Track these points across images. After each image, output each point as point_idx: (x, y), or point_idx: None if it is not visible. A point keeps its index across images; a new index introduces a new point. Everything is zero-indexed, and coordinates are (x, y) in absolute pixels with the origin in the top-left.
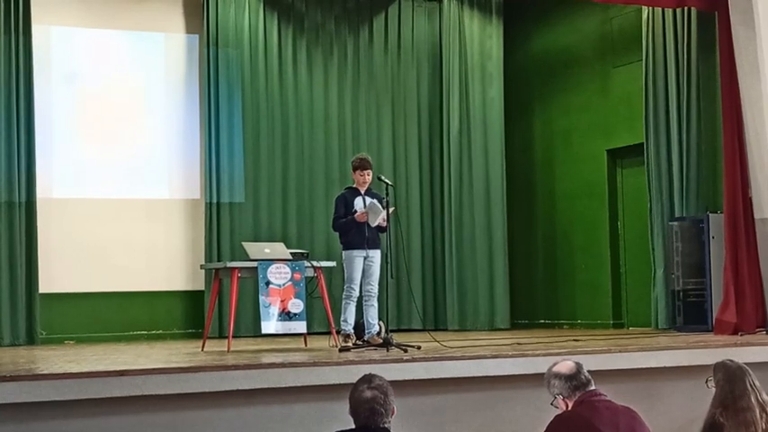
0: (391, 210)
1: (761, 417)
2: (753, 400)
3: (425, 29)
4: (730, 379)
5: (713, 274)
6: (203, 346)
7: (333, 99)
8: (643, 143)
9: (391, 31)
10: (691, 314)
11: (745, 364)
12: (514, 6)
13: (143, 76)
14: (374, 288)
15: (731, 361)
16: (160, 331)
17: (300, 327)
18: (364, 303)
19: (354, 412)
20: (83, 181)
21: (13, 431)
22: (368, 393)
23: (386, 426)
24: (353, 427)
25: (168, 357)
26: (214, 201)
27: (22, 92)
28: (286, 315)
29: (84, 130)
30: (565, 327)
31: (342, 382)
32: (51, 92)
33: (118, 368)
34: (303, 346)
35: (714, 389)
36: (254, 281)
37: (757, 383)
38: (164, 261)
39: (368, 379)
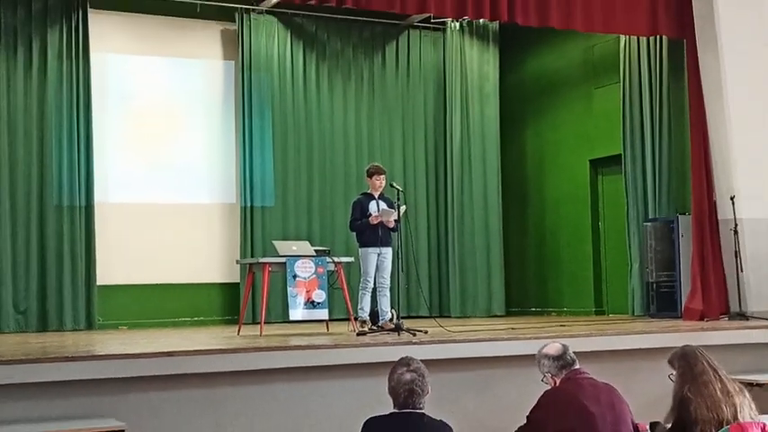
0: (403, 209)
1: (715, 378)
2: (705, 364)
3: (431, 55)
4: (686, 356)
5: (682, 267)
6: (239, 331)
7: (351, 116)
8: (621, 154)
9: (401, 56)
10: (662, 303)
11: (710, 346)
12: (509, 35)
13: (186, 97)
14: (387, 280)
15: (680, 349)
16: (201, 318)
17: (323, 314)
18: (378, 294)
19: (394, 392)
20: (134, 187)
21: (75, 405)
22: (407, 375)
23: (422, 406)
24: (379, 406)
25: (209, 340)
26: (248, 205)
27: (82, 111)
28: (311, 304)
29: (136, 144)
30: (553, 314)
31: (359, 362)
32: (107, 110)
33: (165, 350)
34: (325, 330)
35: (675, 378)
36: (282, 274)
37: (705, 353)
38: (204, 257)
39: (406, 362)
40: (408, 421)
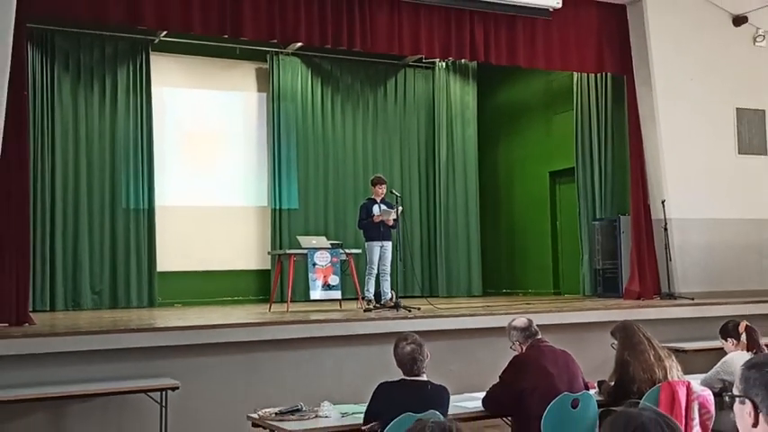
0: (400, 209)
1: (648, 346)
2: (641, 336)
3: (423, 88)
4: (625, 328)
5: (623, 257)
6: (270, 308)
7: (359, 137)
8: (574, 167)
9: (399, 89)
10: (607, 285)
11: (645, 320)
12: (485, 71)
13: (228, 122)
14: (387, 267)
15: (620, 323)
16: (240, 297)
17: (337, 294)
18: (381, 278)
19: (401, 363)
20: (187, 193)
21: (139, 366)
22: (408, 348)
23: (424, 369)
24: (390, 375)
25: (245, 315)
26: (277, 207)
27: (145, 133)
28: (327, 286)
29: (188, 158)
30: (520, 294)
31: (366, 333)
32: (165, 132)
33: (211, 323)
34: (339, 308)
35: (617, 346)
36: (304, 262)
37: (641, 326)
38: (242, 249)
39: (405, 337)
40: (416, 388)
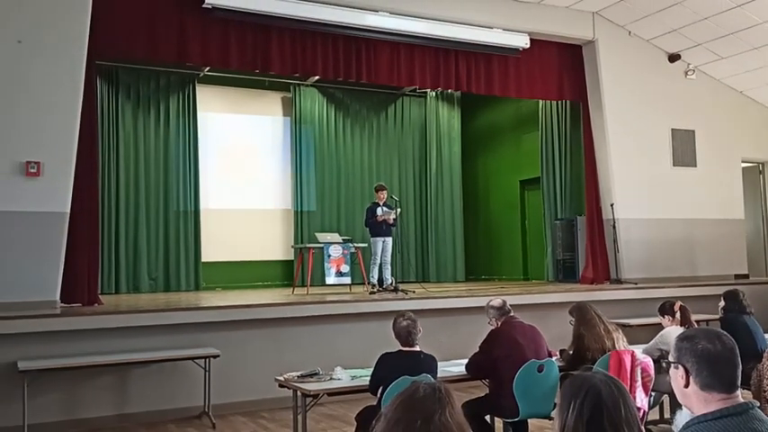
0: (398, 211)
1: (599, 322)
2: (594, 314)
3: (417, 113)
4: (580, 308)
5: (579, 250)
6: (293, 291)
7: (365, 152)
8: (539, 176)
9: (397, 113)
10: (567, 272)
11: (597, 300)
12: (467, 99)
13: (259, 141)
14: (388, 258)
15: (576, 303)
16: (268, 282)
17: (347, 280)
18: (383, 267)
19: (398, 335)
20: (226, 198)
21: (188, 338)
22: (404, 323)
23: (418, 341)
24: (392, 346)
25: (273, 297)
26: (299, 209)
27: (191, 149)
28: (339, 273)
29: (227, 170)
30: (496, 279)
31: (371, 311)
32: (208, 149)
33: (246, 303)
34: (349, 291)
35: (574, 322)
36: (321, 254)
37: (594, 306)
38: (270, 243)
39: (402, 314)
40: (410, 357)
